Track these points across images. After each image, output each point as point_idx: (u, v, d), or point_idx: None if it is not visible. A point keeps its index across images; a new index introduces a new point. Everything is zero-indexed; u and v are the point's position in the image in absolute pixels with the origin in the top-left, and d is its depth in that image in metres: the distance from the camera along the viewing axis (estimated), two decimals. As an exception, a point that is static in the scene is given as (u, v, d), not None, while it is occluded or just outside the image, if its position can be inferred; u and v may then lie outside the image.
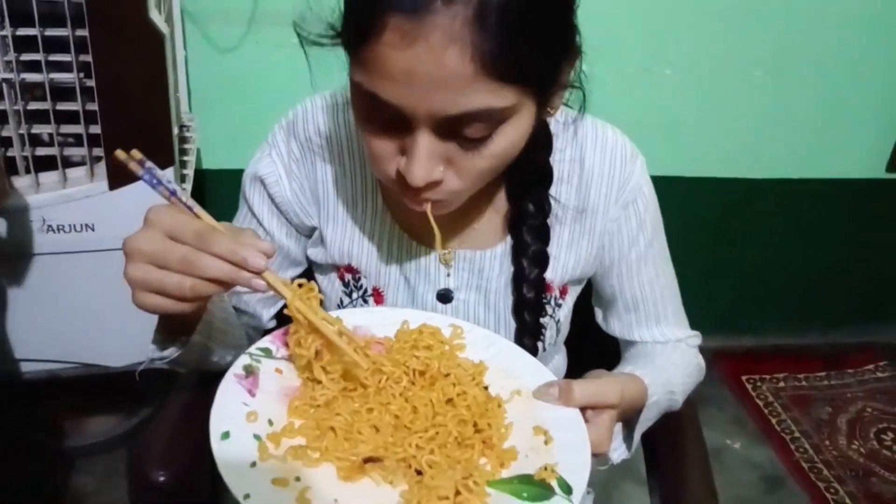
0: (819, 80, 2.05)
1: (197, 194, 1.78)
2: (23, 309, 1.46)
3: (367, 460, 0.62)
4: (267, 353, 0.71)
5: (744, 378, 2.35)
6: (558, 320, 0.91)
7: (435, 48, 0.57)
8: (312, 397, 0.67)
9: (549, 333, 0.90)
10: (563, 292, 0.90)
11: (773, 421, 2.19)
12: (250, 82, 1.82)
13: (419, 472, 0.62)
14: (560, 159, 0.84)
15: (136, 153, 0.64)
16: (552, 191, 0.84)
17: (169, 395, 0.94)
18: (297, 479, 0.59)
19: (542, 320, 0.87)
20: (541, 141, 0.81)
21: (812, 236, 2.34)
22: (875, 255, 2.43)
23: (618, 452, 0.82)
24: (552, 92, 0.70)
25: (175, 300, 0.61)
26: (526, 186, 0.83)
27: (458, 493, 0.59)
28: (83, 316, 1.53)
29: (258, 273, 0.61)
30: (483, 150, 0.66)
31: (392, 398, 0.67)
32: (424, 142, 0.64)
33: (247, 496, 0.55)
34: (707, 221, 2.25)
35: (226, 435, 0.60)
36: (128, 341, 1.58)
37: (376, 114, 0.65)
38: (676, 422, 0.92)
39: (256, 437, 0.62)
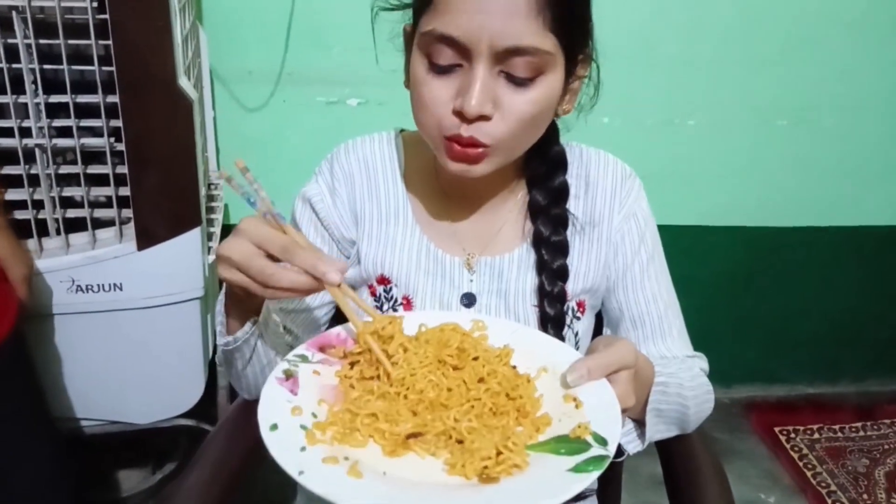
0: (842, 129, 2.05)
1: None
2: (50, 367, 1.48)
3: (410, 436, 0.66)
4: (303, 358, 0.76)
5: (776, 430, 2.30)
6: (577, 332, 0.96)
7: None
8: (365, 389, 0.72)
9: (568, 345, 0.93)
10: (581, 307, 0.97)
11: (809, 474, 2.13)
12: (276, 140, 1.86)
13: (460, 442, 0.66)
14: (569, 176, 0.94)
15: (240, 162, 0.75)
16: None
17: (194, 451, 0.95)
18: (346, 458, 0.63)
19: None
20: (554, 138, 0.94)
21: (841, 284, 2.31)
22: (907, 302, 2.39)
23: (632, 445, 0.86)
24: (573, 73, 0.83)
25: (253, 287, 0.72)
26: (546, 195, 0.93)
27: (499, 453, 0.63)
28: (110, 373, 1.54)
29: (335, 286, 0.71)
30: (526, 92, 0.77)
31: (426, 385, 0.71)
32: (482, 73, 0.76)
33: (301, 472, 0.59)
34: (734, 271, 2.24)
35: (274, 427, 0.64)
36: (153, 399, 1.60)
37: (441, 57, 0.77)
38: (699, 467, 0.96)
39: (303, 426, 0.66)
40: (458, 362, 0.74)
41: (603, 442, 0.64)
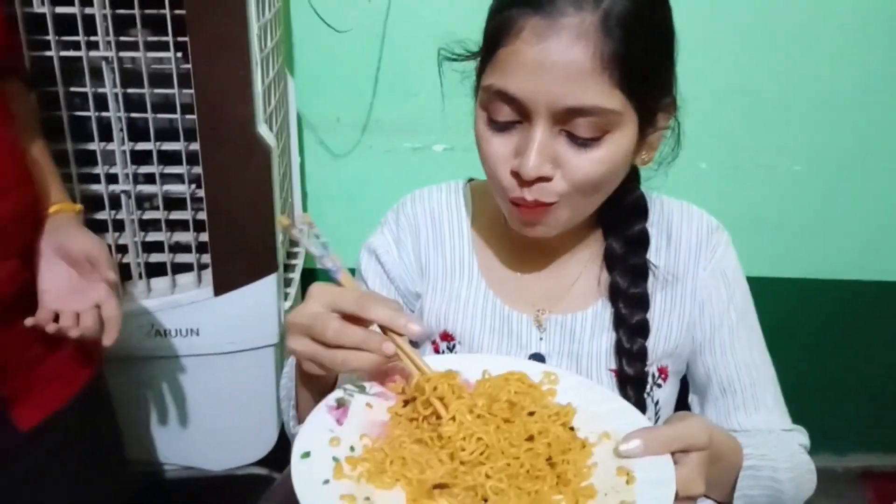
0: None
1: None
2: (127, 410, 1.49)
3: (437, 486, 0.63)
4: (361, 389, 0.73)
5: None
6: (657, 401, 0.89)
7: (564, 44, 0.69)
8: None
9: (648, 414, 0.88)
10: (662, 373, 0.89)
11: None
12: (362, 186, 1.86)
13: (486, 501, 0.62)
14: (650, 226, 0.88)
15: (306, 217, 0.75)
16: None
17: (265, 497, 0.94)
18: (367, 499, 0.61)
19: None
20: (633, 185, 0.87)
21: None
22: None
23: None
24: (650, 126, 0.77)
25: (329, 370, 0.68)
26: (624, 243, 0.87)
27: None
28: (185, 418, 1.55)
29: (417, 337, 0.70)
30: (589, 152, 0.73)
31: (466, 437, 0.67)
32: (540, 134, 0.72)
33: None
34: (846, 327, 2.07)
35: (306, 454, 0.63)
36: (226, 445, 1.60)
37: (500, 114, 0.74)
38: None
39: (335, 458, 0.64)
40: (510, 416, 0.69)
41: None
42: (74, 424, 1.13)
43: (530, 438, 0.67)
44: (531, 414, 0.69)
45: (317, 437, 0.66)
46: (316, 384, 0.76)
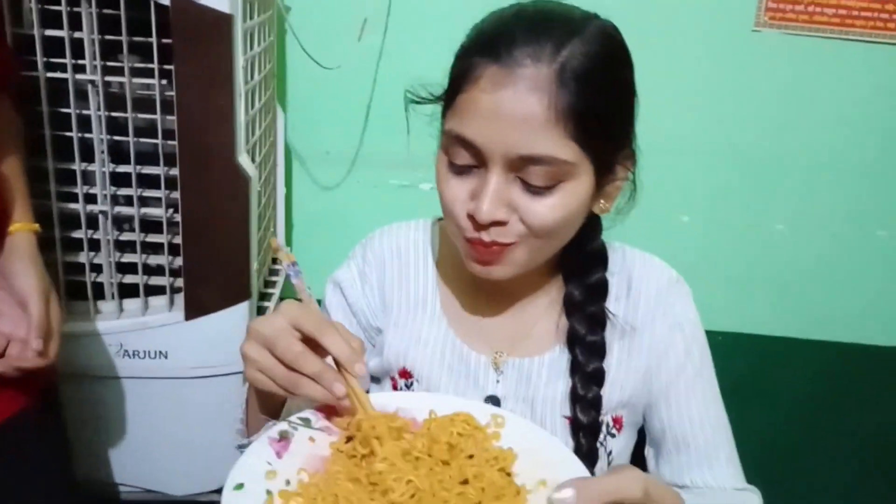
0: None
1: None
2: (91, 429, 1.49)
3: None
4: (306, 422, 0.73)
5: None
6: (610, 452, 0.89)
7: (519, 94, 0.70)
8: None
9: (600, 465, 0.87)
10: (617, 423, 0.89)
11: None
12: (347, 219, 1.88)
13: None
14: (610, 275, 0.89)
15: (287, 255, 0.75)
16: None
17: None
18: None
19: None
20: (594, 233, 0.88)
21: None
22: None
23: None
24: (607, 177, 0.79)
25: (278, 387, 0.68)
26: (583, 291, 0.87)
27: None
28: (149, 441, 1.54)
29: (356, 375, 0.69)
30: (543, 199, 0.74)
31: (398, 480, 0.66)
32: (495, 180, 0.74)
33: None
34: (822, 388, 2.05)
35: (239, 486, 0.63)
36: (190, 471, 1.58)
37: (458, 157, 0.76)
38: None
39: (269, 491, 0.64)
40: (449, 458, 0.69)
41: None
42: (18, 440, 1.12)
43: (465, 482, 0.67)
44: (470, 457, 0.69)
45: (253, 469, 0.66)
46: (266, 402, 0.77)
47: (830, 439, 2.11)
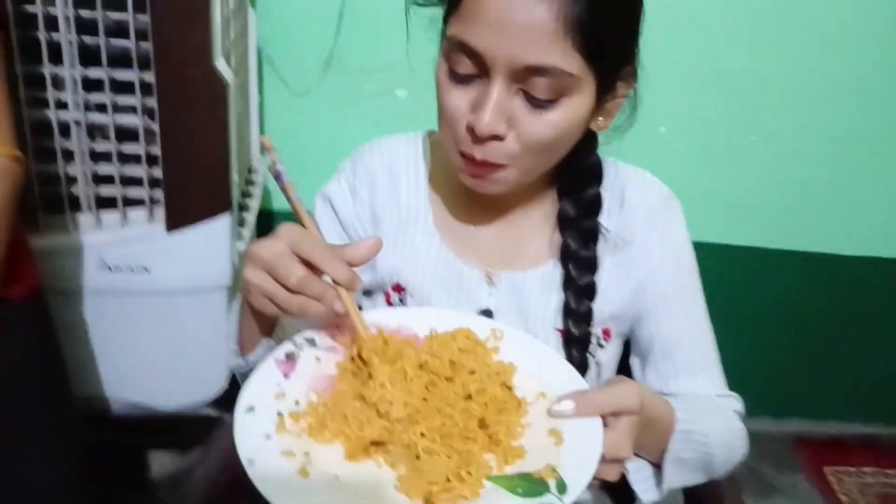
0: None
1: (262, 235, 1.78)
2: (76, 344, 1.46)
3: (374, 443, 0.64)
4: (311, 342, 0.73)
5: (827, 470, 2.16)
6: (598, 362, 0.90)
7: (529, 2, 0.68)
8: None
9: (589, 374, 0.89)
10: (606, 334, 0.90)
11: (857, 521, 2.00)
12: (321, 127, 1.83)
13: (419, 458, 0.64)
14: (604, 190, 0.88)
15: (266, 140, 0.73)
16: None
17: (212, 439, 0.96)
18: (307, 454, 0.62)
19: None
20: (590, 148, 0.87)
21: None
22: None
23: (648, 494, 0.79)
24: (608, 94, 0.77)
25: (281, 310, 0.68)
26: (577, 206, 0.87)
27: (449, 481, 0.61)
28: (135, 356, 1.52)
29: (353, 289, 0.69)
30: (544, 114, 0.73)
31: (394, 402, 0.68)
32: (497, 90, 0.72)
33: (251, 462, 0.59)
34: (792, 298, 2.13)
35: (251, 409, 0.64)
36: (178, 385, 1.58)
37: (460, 66, 0.73)
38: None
39: (279, 413, 0.65)
40: (451, 374, 0.70)
41: (563, 490, 0.59)
42: (16, 353, 1.10)
43: (469, 397, 0.68)
44: (472, 372, 0.70)
45: (262, 391, 0.66)
46: (261, 320, 0.77)
47: (800, 345, 2.20)
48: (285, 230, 0.68)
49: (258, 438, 0.62)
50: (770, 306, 2.13)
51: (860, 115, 1.87)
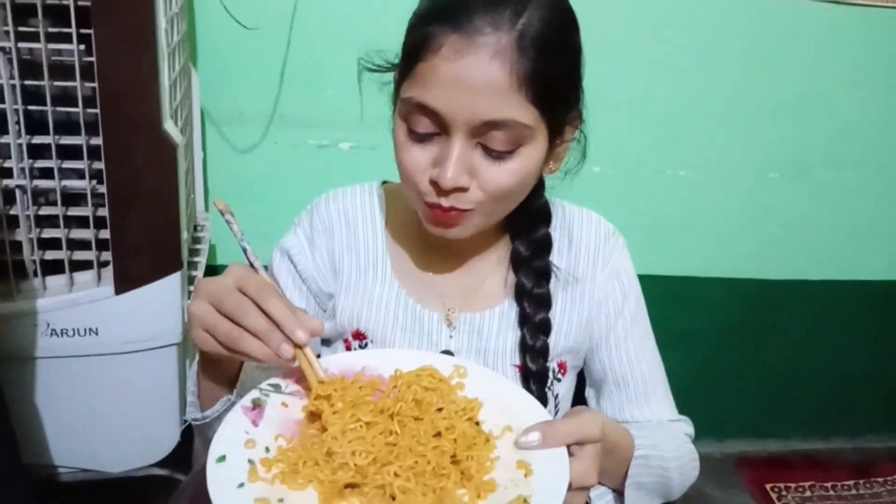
0: (837, 184, 2.05)
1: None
2: (23, 412, 1.43)
3: (348, 486, 0.65)
4: (276, 388, 0.74)
5: (768, 486, 2.25)
6: (557, 395, 0.94)
7: (482, 61, 0.72)
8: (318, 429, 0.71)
9: (548, 407, 0.92)
10: (562, 368, 0.94)
11: (798, 532, 2.08)
12: (267, 183, 1.84)
13: (394, 499, 0.64)
14: (553, 230, 0.93)
15: (219, 203, 0.75)
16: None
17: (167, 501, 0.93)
18: (281, 500, 0.63)
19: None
20: (539, 192, 0.91)
21: (838, 339, 2.29)
22: (904, 360, 2.36)
23: None
24: (558, 138, 0.82)
25: (222, 347, 0.68)
26: (529, 247, 0.91)
27: None
28: (83, 420, 1.50)
29: (299, 346, 0.68)
30: (503, 164, 0.76)
31: (356, 453, 0.68)
32: (458, 146, 0.75)
33: None
34: (728, 323, 2.22)
35: (222, 458, 0.65)
36: (127, 446, 1.56)
37: (419, 125, 0.76)
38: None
39: (250, 461, 0.66)
40: (419, 413, 0.71)
41: None
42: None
43: (438, 434, 0.70)
44: (439, 410, 0.72)
45: (232, 439, 0.67)
46: (217, 371, 0.77)
47: (737, 368, 2.29)
48: (235, 268, 0.69)
49: (231, 488, 0.63)
50: (710, 335, 2.21)
51: (782, 143, 1.98)
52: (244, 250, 0.74)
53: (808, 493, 2.24)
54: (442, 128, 0.76)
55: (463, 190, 0.77)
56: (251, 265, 0.73)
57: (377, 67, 0.86)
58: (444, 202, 0.78)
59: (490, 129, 0.74)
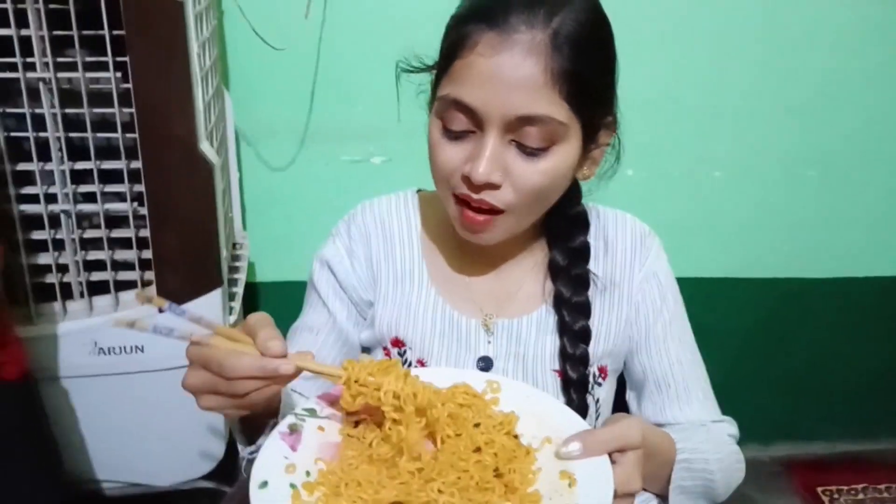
0: (870, 180, 2.01)
1: (250, 307, 1.82)
2: (72, 429, 1.48)
3: None
4: (311, 412, 0.75)
5: (819, 490, 2.20)
6: (598, 399, 0.94)
7: (516, 57, 0.73)
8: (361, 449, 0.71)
9: (589, 412, 0.93)
10: (602, 372, 0.94)
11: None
12: (301, 198, 1.87)
13: None
14: (589, 236, 0.93)
15: (157, 300, 0.70)
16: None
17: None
18: None
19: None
20: (576, 199, 0.92)
21: (875, 335, 2.24)
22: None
23: None
24: (592, 142, 0.82)
25: (233, 407, 0.67)
26: (567, 255, 0.91)
27: None
28: (131, 435, 1.54)
29: (292, 375, 0.66)
30: (537, 162, 0.77)
31: (418, 455, 0.69)
32: (492, 142, 0.76)
33: None
34: (765, 324, 2.18)
35: (264, 484, 0.65)
36: (174, 461, 1.59)
37: (454, 123, 0.78)
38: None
39: (292, 485, 0.66)
40: (457, 429, 0.71)
41: None
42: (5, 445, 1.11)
43: (478, 449, 0.70)
44: (477, 425, 0.72)
45: (272, 465, 0.67)
46: (252, 422, 0.76)
47: (775, 369, 2.24)
48: (190, 352, 0.69)
49: None
50: (747, 336, 2.18)
51: (815, 139, 1.95)
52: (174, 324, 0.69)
53: (861, 496, 2.18)
54: (477, 124, 0.77)
55: (495, 187, 0.78)
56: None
57: (414, 69, 0.88)
58: (475, 197, 0.79)
59: (524, 125, 0.75)
